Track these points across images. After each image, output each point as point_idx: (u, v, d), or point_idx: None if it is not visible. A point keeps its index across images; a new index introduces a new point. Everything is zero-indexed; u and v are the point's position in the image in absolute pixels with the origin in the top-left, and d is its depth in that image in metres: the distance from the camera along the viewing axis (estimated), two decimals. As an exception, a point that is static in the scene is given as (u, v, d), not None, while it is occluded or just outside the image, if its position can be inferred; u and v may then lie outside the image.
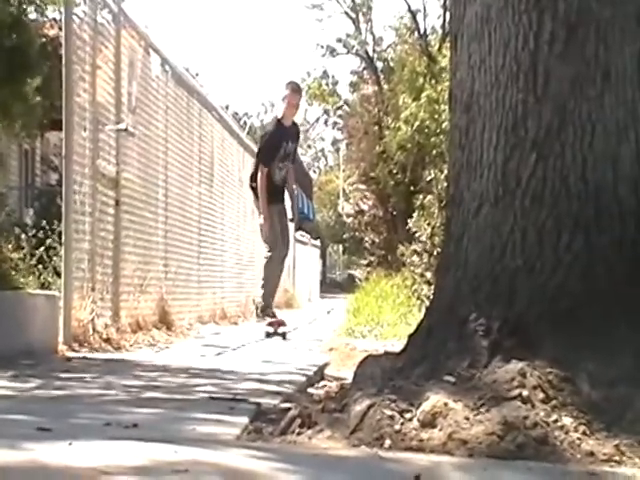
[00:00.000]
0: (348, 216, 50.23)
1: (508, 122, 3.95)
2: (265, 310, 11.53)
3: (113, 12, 9.78)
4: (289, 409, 4.15)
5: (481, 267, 3.97)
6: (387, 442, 3.45)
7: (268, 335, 11.19)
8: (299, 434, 3.71)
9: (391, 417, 3.52)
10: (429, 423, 3.46)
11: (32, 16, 7.45)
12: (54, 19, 9.50)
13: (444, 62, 34.43)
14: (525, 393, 3.48)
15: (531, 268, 3.85)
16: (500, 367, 3.63)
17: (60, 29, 8.86)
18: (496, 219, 3.95)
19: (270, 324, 11.38)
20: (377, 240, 41.15)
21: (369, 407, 3.59)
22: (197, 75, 12.26)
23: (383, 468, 3.20)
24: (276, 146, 11.54)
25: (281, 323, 11.55)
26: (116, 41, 9.96)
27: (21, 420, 3.79)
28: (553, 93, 3.90)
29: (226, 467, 2.98)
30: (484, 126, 4.04)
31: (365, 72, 43.77)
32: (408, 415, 3.52)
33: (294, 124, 12.13)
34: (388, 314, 14.52)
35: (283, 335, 11.34)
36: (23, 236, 9.96)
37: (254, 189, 11.76)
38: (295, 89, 12.00)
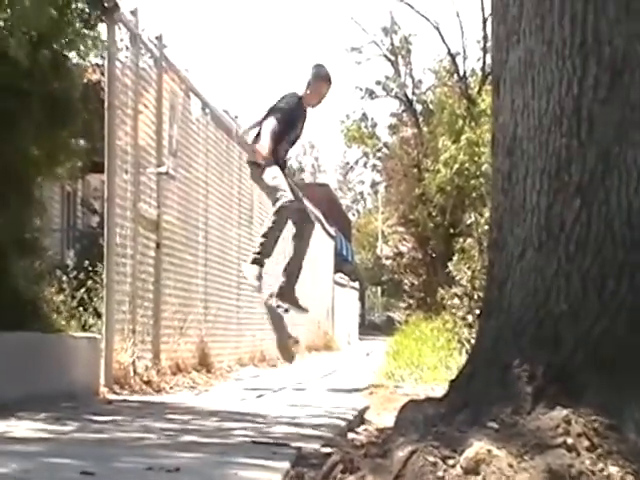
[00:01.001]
0: (387, 258, 50.15)
1: (551, 166, 3.93)
2: (258, 260, 10.10)
3: (155, 57, 9.86)
4: (330, 454, 4.13)
5: (524, 312, 3.93)
6: (430, 489, 3.42)
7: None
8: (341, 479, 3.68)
9: (434, 464, 3.48)
10: (472, 470, 3.43)
11: (74, 61, 7.50)
12: (96, 64, 9.57)
13: (484, 105, 34.49)
14: (570, 441, 3.44)
15: (575, 313, 3.82)
16: (544, 414, 3.59)
17: (102, 74, 8.94)
18: (540, 264, 3.92)
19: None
20: (416, 282, 41.04)
21: (412, 453, 3.55)
22: (236, 117, 12.27)
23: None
24: (292, 123, 10.28)
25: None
26: (158, 85, 10.05)
27: (65, 464, 3.78)
28: (597, 138, 3.88)
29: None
30: (527, 170, 4.02)
31: (404, 114, 43.83)
32: (451, 462, 3.48)
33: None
34: (428, 357, 14.45)
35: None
36: (64, 278, 10.01)
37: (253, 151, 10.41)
38: (325, 77, 10.50)
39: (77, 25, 7.39)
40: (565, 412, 3.55)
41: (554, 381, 3.71)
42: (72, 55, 7.46)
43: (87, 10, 7.29)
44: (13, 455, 3.97)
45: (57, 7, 7.03)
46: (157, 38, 9.87)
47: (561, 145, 3.92)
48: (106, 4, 7.42)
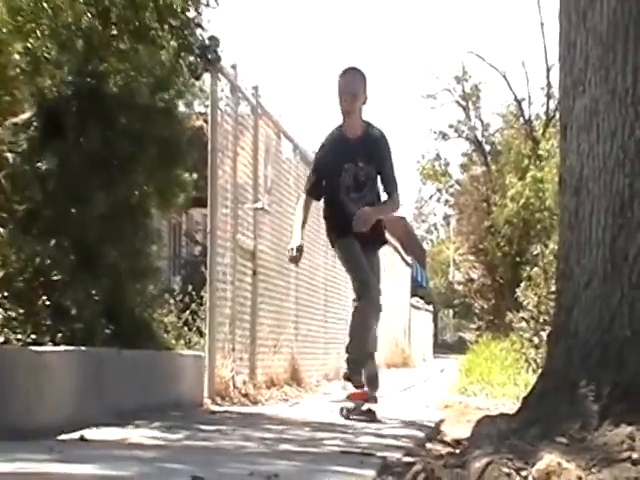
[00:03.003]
0: (458, 284, 49.85)
1: (615, 205, 3.90)
2: (349, 377, 7.37)
3: (252, 105, 9.98)
4: (413, 463, 4.11)
5: (591, 336, 3.90)
6: (504, 497, 3.39)
7: (346, 413, 7.22)
8: (423, 487, 3.67)
9: (508, 474, 3.46)
10: (544, 481, 3.40)
11: (181, 108, 7.61)
12: (200, 112, 9.72)
13: (547, 145, 34.30)
14: (635, 456, 3.39)
15: (638, 338, 3.78)
16: (610, 430, 3.55)
17: (205, 121, 9.07)
18: (605, 292, 3.88)
19: (351, 397, 7.30)
20: (486, 306, 40.74)
21: (487, 464, 3.53)
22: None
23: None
24: (330, 166, 7.20)
25: (365, 397, 7.25)
26: (254, 130, 10.16)
27: (177, 468, 3.82)
28: (658, 178, 3.86)
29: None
30: (592, 208, 3.99)
31: (474, 154, 43.63)
32: (524, 473, 3.45)
33: (367, 134, 7.20)
34: (497, 375, 14.32)
35: (370, 414, 7.19)
36: (172, 301, 10.11)
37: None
38: (341, 73, 7.26)
39: (186, 77, 7.51)
40: (630, 429, 3.51)
41: (619, 400, 3.67)
42: (180, 103, 7.57)
43: (194, 63, 7.40)
44: (133, 459, 4.01)
45: (170, 60, 7.16)
46: (254, 88, 9.98)
47: (624, 185, 3.89)
48: (210, 57, 7.52)
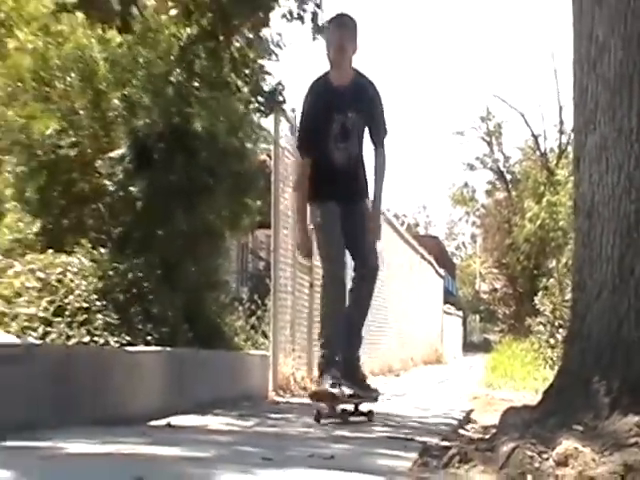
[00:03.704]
0: (484, 293, 49.70)
1: (623, 227, 3.88)
2: (323, 365, 5.77)
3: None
4: (449, 447, 4.10)
5: (602, 339, 3.88)
6: (529, 477, 3.37)
7: (316, 415, 5.53)
8: (458, 468, 3.65)
9: (531, 457, 3.44)
10: (563, 463, 3.38)
11: (248, 145, 7.70)
12: (263, 147, 9.81)
13: (560, 175, 34.15)
14: (641, 441, 3.39)
15: (643, 341, 3.77)
16: (619, 420, 3.52)
17: (268, 156, 9.13)
18: (614, 302, 3.86)
19: (314, 396, 5.69)
20: (507, 312, 40.56)
21: (513, 449, 3.52)
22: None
23: (528, 498, 3.15)
24: (319, 118, 5.85)
25: (328, 397, 5.55)
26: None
27: (249, 451, 3.82)
28: (660, 204, 3.85)
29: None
30: (603, 229, 3.97)
31: (497, 182, 43.50)
32: (545, 456, 3.44)
33: (355, 83, 5.90)
34: (518, 371, 14.26)
35: (368, 414, 5.85)
36: (240, 308, 10.14)
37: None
38: (334, 21, 6.01)
39: (255, 120, 7.59)
40: (637, 418, 3.48)
41: (627, 394, 3.64)
42: (249, 141, 7.66)
43: (262, 108, 7.46)
44: (211, 443, 4.02)
45: (243, 104, 7.25)
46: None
47: (631, 210, 3.87)
48: (277, 100, 7.56)
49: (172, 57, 6.91)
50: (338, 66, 5.85)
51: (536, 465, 3.42)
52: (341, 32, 5.87)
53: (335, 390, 5.50)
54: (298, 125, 6.29)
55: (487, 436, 4.53)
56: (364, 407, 5.92)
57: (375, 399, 6.08)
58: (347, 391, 5.62)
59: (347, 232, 5.86)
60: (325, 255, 5.93)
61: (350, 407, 5.79)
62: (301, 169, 6.19)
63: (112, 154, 6.87)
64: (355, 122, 5.92)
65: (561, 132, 37.51)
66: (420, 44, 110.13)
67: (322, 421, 5.47)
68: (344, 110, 5.86)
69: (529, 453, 3.47)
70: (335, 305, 5.79)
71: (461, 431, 5.80)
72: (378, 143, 6.03)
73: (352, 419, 5.63)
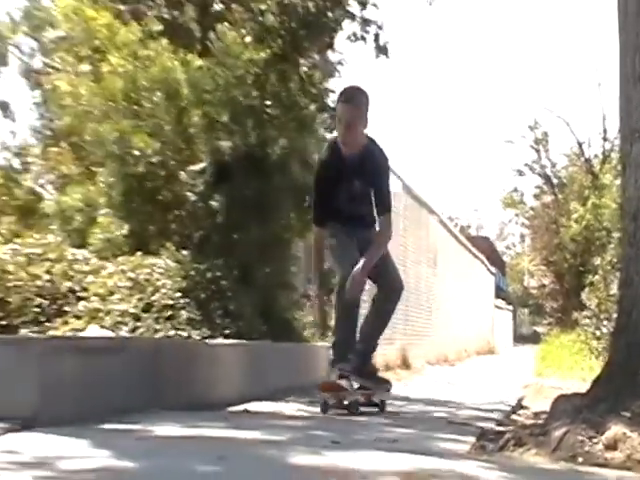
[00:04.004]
0: (533, 288, 49.13)
1: (666, 228, 3.85)
2: (334, 363, 5.40)
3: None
4: (504, 432, 4.08)
5: (647, 333, 3.83)
6: (580, 459, 3.34)
7: (324, 407, 5.20)
8: (513, 451, 3.63)
9: (582, 441, 3.41)
10: (611, 446, 3.34)
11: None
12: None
13: (604, 179, 33.76)
14: (684, 427, 3.33)
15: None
16: (665, 407, 3.49)
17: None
18: (659, 298, 3.82)
19: (321, 387, 5.34)
20: (555, 306, 40.08)
21: (565, 433, 3.49)
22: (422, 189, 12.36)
23: (579, 478, 3.11)
24: (328, 187, 5.50)
25: (337, 388, 5.22)
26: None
27: (320, 435, 3.83)
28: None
29: (464, 474, 2.93)
30: (647, 231, 3.93)
31: (545, 186, 43.01)
32: (595, 440, 3.40)
33: (365, 151, 5.43)
34: (566, 360, 14.08)
35: (380, 405, 5.54)
36: (307, 304, 10.16)
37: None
38: (342, 97, 5.48)
39: (320, 133, 7.65)
40: (680, 406, 3.45)
41: (672, 382, 3.62)
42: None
43: (327, 124, 7.53)
44: (285, 427, 4.04)
45: (310, 117, 7.32)
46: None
47: (674, 212, 3.83)
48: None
49: (247, 78, 6.98)
50: (345, 142, 5.39)
51: (586, 449, 3.39)
52: (349, 109, 5.36)
53: (343, 382, 5.21)
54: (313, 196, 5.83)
55: (539, 421, 4.49)
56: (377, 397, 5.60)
57: (387, 390, 5.70)
58: (355, 384, 5.37)
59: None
60: (340, 263, 5.41)
61: (361, 398, 5.44)
62: (318, 235, 5.75)
63: (194, 167, 6.96)
64: (362, 190, 5.50)
65: (605, 139, 37.04)
66: (476, 59, 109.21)
67: (329, 412, 5.14)
68: (351, 179, 5.45)
69: (580, 437, 3.44)
70: (349, 311, 5.36)
71: (514, 417, 5.74)
72: (379, 212, 5.58)
73: (363, 409, 5.28)
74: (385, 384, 5.73)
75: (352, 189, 5.49)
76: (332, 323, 5.52)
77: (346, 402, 5.24)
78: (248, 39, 6.69)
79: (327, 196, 5.56)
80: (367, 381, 5.51)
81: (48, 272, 6.37)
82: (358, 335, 5.55)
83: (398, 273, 5.99)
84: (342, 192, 5.50)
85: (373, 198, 5.58)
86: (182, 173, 7.03)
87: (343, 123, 5.35)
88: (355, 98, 5.45)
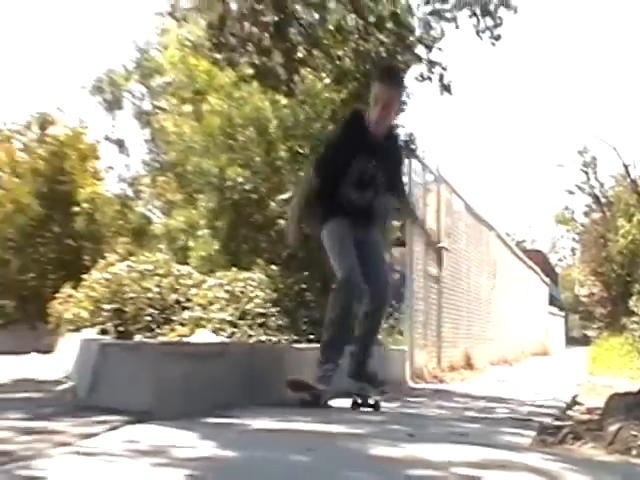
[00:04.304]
0: (583, 296, 48.11)
1: None
2: (320, 363, 4.65)
3: (435, 176, 9.95)
4: (562, 427, 3.99)
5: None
6: (634, 452, 3.23)
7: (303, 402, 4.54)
8: (571, 444, 3.54)
9: (635, 435, 3.31)
10: (662, 441, 3.25)
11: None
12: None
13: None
14: None
15: None
16: None
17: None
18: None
19: (289, 384, 4.59)
20: (603, 312, 39.19)
21: (619, 428, 3.40)
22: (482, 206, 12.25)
23: (634, 470, 3.01)
24: (344, 152, 4.66)
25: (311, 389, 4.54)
26: (436, 192, 10.10)
27: (396, 429, 3.78)
28: None
29: (529, 465, 2.86)
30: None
31: (593, 205, 42.20)
32: (647, 435, 3.31)
33: (389, 135, 4.85)
34: (615, 361, 13.72)
35: (375, 405, 4.85)
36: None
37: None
38: (387, 80, 4.71)
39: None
40: None
41: None
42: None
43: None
44: (364, 422, 4.00)
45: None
46: (436, 167, 9.95)
47: None
48: (411, 148, 7.59)
49: (325, 114, 7.02)
50: (379, 122, 4.70)
51: (639, 443, 3.29)
52: (395, 93, 4.76)
53: (319, 385, 4.56)
54: (324, 149, 5.10)
55: (594, 417, 4.38)
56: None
57: (382, 393, 5.02)
58: (330, 390, 4.65)
59: (362, 257, 4.70)
60: (340, 262, 4.64)
61: (359, 399, 4.90)
62: (309, 183, 4.86)
63: (282, 196, 7.02)
64: (373, 172, 4.73)
65: (650, 162, 36.37)
66: (532, 88, 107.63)
67: (306, 407, 4.48)
68: (368, 157, 4.70)
69: (633, 432, 3.34)
70: (345, 312, 4.62)
71: (569, 412, 5.60)
72: (401, 194, 5.02)
73: (362, 409, 4.83)
74: (380, 386, 5.02)
75: (366, 169, 4.68)
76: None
77: (323, 402, 4.62)
78: (327, 81, 6.72)
79: (337, 163, 4.66)
80: (364, 384, 4.89)
81: (158, 286, 6.49)
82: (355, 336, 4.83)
83: (381, 262, 4.99)
84: (353, 172, 4.65)
85: (390, 183, 4.84)
86: (272, 202, 7.09)
87: (383, 104, 4.63)
88: (400, 81, 4.95)
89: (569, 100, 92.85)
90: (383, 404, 4.94)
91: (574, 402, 6.62)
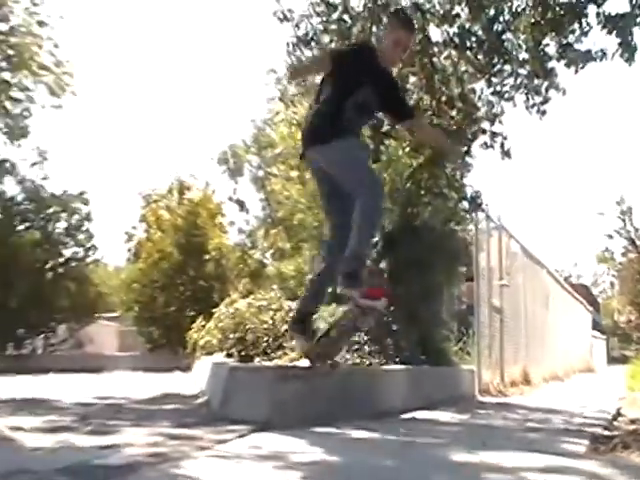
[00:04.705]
0: (622, 322, 46.07)
1: None
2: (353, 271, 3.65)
3: (497, 225, 9.74)
4: (612, 437, 3.78)
5: None
6: (678, 462, 3.05)
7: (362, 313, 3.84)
8: (621, 452, 3.35)
9: (677, 446, 3.12)
10: (702, 452, 3.03)
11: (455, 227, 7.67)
12: (464, 229, 9.65)
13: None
14: None
15: None
16: None
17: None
18: None
19: (365, 294, 3.71)
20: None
21: (663, 440, 3.20)
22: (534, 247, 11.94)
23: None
24: (354, 70, 3.88)
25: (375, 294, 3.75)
26: (498, 238, 9.90)
27: (471, 438, 3.66)
28: None
29: (586, 471, 2.72)
30: None
31: (630, 246, 40.58)
32: (688, 446, 3.10)
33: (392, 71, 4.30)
34: (653, 378, 12.97)
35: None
36: (452, 336, 9.92)
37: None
38: (408, 26, 4.15)
39: (462, 214, 7.54)
40: None
41: None
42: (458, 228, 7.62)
43: (467, 207, 7.43)
44: (444, 432, 3.89)
45: (453, 205, 7.26)
46: (498, 217, 9.76)
47: None
48: (478, 203, 7.50)
49: (405, 176, 7.03)
50: (394, 61, 4.21)
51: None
52: (413, 37, 4.27)
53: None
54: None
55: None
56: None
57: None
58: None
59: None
60: (373, 172, 4.09)
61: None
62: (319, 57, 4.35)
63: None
64: (371, 102, 3.98)
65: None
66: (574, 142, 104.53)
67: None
68: (373, 83, 3.93)
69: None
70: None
71: (615, 423, 5.31)
72: (408, 112, 4.23)
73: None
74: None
75: (366, 93, 3.90)
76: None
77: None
78: (407, 149, 6.73)
79: (350, 89, 3.89)
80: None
81: (272, 318, 6.54)
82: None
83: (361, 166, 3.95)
84: (357, 95, 3.88)
85: (389, 101, 4.07)
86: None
87: (402, 46, 4.07)
88: (415, 27, 4.47)
89: (610, 155, 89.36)
90: (455, 415, 4.81)
91: (618, 414, 6.27)
